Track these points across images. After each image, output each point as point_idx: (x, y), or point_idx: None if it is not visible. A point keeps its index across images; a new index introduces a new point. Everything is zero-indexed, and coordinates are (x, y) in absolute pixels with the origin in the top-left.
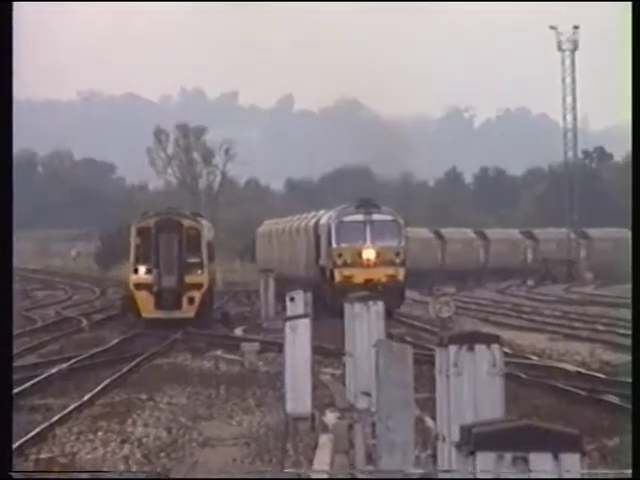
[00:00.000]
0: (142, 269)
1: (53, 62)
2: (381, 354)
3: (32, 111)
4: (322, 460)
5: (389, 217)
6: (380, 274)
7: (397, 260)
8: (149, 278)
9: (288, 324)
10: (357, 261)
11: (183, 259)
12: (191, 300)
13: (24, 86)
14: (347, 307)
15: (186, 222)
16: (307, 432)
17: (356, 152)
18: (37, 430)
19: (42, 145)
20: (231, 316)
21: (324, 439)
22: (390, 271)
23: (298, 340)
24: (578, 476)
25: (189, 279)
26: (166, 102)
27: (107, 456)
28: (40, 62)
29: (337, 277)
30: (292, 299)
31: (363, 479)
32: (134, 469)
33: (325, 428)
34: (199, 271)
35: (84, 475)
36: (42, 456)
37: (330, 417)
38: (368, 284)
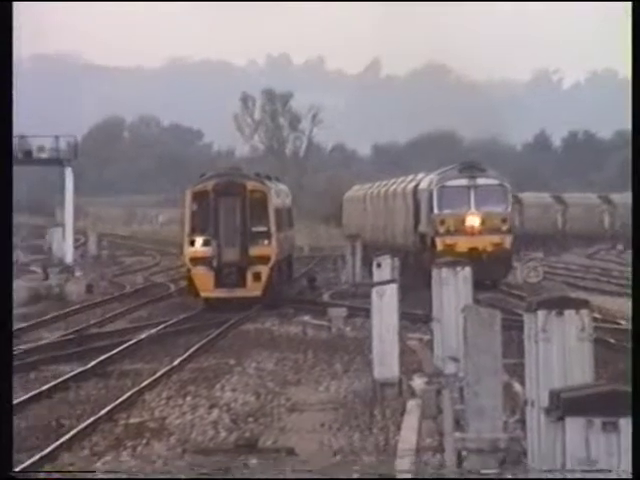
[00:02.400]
0: (199, 241)
1: (136, 29)
2: (469, 320)
3: (119, 78)
4: (410, 425)
5: (495, 181)
6: (485, 242)
7: (503, 227)
8: (207, 251)
9: (375, 290)
10: (460, 228)
11: (247, 228)
12: (257, 276)
13: (110, 53)
14: (434, 272)
15: (250, 184)
16: (394, 397)
17: (443, 116)
18: (127, 395)
19: (129, 112)
20: (318, 281)
21: (412, 404)
22: (496, 239)
23: (385, 306)
24: None
25: (254, 251)
26: (252, 67)
27: (195, 421)
28: (124, 29)
29: (439, 245)
30: (379, 265)
31: (364, 479)
32: (222, 434)
33: (413, 393)
34: (266, 241)
35: (86, 475)
36: (131, 421)
37: (418, 382)
38: (472, 253)
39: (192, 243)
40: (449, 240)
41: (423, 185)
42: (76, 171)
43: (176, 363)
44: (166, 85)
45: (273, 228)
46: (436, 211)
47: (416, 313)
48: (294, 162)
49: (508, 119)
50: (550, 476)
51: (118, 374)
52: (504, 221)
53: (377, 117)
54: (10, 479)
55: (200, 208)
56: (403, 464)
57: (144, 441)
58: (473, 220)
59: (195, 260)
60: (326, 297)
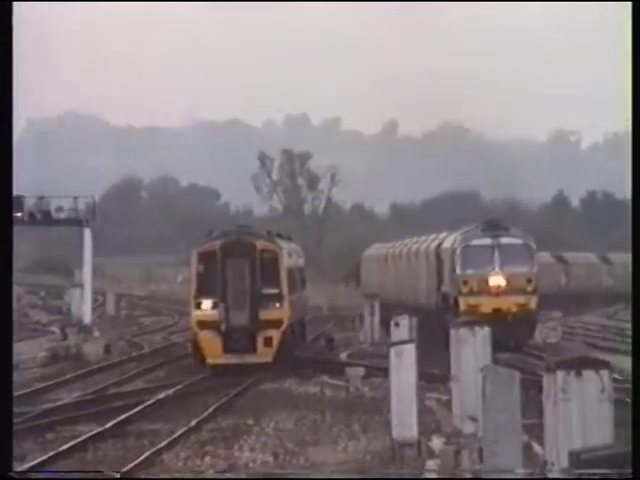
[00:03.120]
0: (206, 303)
1: (153, 89)
2: (488, 379)
3: (134, 137)
4: None
5: (519, 240)
6: (510, 303)
7: (529, 288)
8: (215, 314)
9: (393, 349)
10: (484, 289)
11: (257, 290)
12: (268, 341)
13: (125, 112)
14: (452, 332)
15: (260, 243)
16: (414, 458)
17: (461, 176)
18: (145, 455)
19: (146, 171)
20: (336, 341)
21: (430, 464)
22: (521, 300)
23: (403, 365)
24: None
25: (265, 315)
26: (270, 127)
27: None
28: (140, 89)
29: (462, 306)
30: (397, 324)
31: (360, 479)
32: None
33: (432, 453)
34: (277, 304)
35: (86, 476)
36: None
37: (436, 442)
38: (496, 314)
39: (198, 306)
40: (472, 301)
41: (446, 244)
42: (94, 231)
43: (194, 423)
44: (183, 145)
45: (285, 290)
46: (459, 271)
47: (434, 373)
48: (313, 222)
49: (526, 179)
50: (551, 476)
51: (136, 434)
52: (529, 281)
53: (395, 177)
54: (10, 479)
55: (207, 269)
56: None
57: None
58: (497, 280)
59: (202, 324)
60: (344, 356)
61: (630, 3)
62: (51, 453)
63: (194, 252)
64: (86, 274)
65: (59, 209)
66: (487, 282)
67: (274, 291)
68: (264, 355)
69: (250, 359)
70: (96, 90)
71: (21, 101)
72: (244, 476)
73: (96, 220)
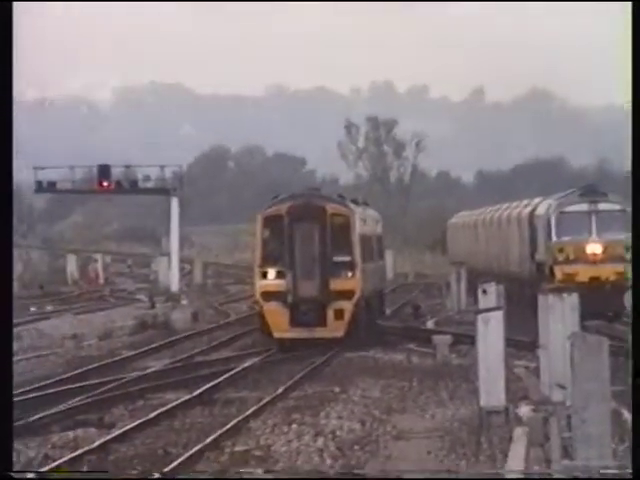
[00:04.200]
0: (272, 272)
1: (238, 57)
2: (576, 347)
3: (223, 107)
4: (517, 454)
5: (617, 206)
6: (608, 271)
7: (628, 255)
8: (281, 284)
9: (480, 317)
10: (581, 257)
11: (327, 258)
12: (339, 313)
13: (214, 82)
14: (541, 299)
15: (330, 207)
16: (501, 425)
17: (547, 142)
18: (232, 423)
19: (233, 140)
20: (422, 309)
21: (519, 432)
22: (620, 268)
23: (491, 333)
24: None
25: (336, 285)
26: (356, 95)
27: (301, 449)
28: (226, 57)
29: (558, 275)
30: (484, 292)
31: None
32: (328, 462)
33: (519, 421)
34: (349, 273)
35: (86, 475)
36: (237, 449)
37: (524, 410)
38: (594, 283)
39: (264, 275)
40: (569, 269)
41: (540, 211)
42: (181, 200)
43: (280, 391)
44: (270, 114)
45: (358, 258)
46: (555, 238)
47: (522, 340)
48: (398, 189)
49: (613, 145)
50: (557, 476)
51: (223, 402)
52: (628, 249)
53: (482, 144)
54: (10, 479)
55: (273, 235)
56: None
57: (250, 469)
58: (595, 248)
59: (267, 295)
60: (431, 324)
61: (630, 3)
62: (139, 421)
63: (259, 216)
64: (173, 243)
65: (146, 178)
66: (584, 250)
67: (346, 259)
68: (335, 329)
69: (319, 333)
70: (180, 60)
71: (106, 70)
72: (246, 476)
73: (183, 189)
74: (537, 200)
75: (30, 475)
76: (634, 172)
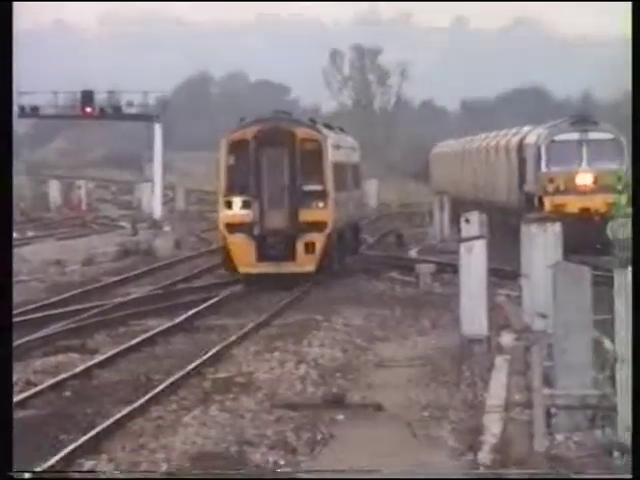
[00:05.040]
0: (237, 202)
1: None
2: (558, 276)
3: (206, 33)
4: (498, 382)
5: (609, 135)
6: (599, 202)
7: (619, 186)
8: (247, 215)
9: (463, 245)
10: (571, 187)
11: (297, 186)
12: (310, 247)
13: (198, 8)
14: (523, 228)
15: (301, 132)
16: (483, 354)
17: (533, 72)
18: (215, 350)
19: (217, 68)
20: (405, 238)
21: (500, 361)
22: (611, 199)
23: (473, 261)
24: None
25: (306, 215)
26: (341, 23)
27: (284, 376)
28: None
29: (547, 205)
30: (467, 221)
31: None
32: (310, 389)
33: (501, 350)
34: (321, 203)
35: (86, 475)
36: (220, 375)
37: (506, 339)
38: (584, 214)
39: (228, 205)
40: (558, 200)
41: (530, 140)
42: (164, 127)
43: (263, 318)
44: (254, 41)
45: (330, 187)
46: (544, 168)
47: (505, 269)
48: (382, 117)
49: (600, 76)
50: (555, 476)
51: (205, 329)
52: (619, 179)
53: (466, 72)
54: (10, 479)
55: (238, 161)
56: (491, 420)
57: (232, 396)
58: (585, 178)
59: (232, 226)
60: (414, 253)
61: (630, 3)
62: (122, 347)
63: (223, 141)
64: (156, 169)
65: (129, 104)
66: (574, 180)
67: (317, 188)
68: (305, 263)
69: (288, 268)
70: None
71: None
72: (246, 476)
73: (166, 115)
74: (526, 129)
75: (28, 475)
76: (634, 165)
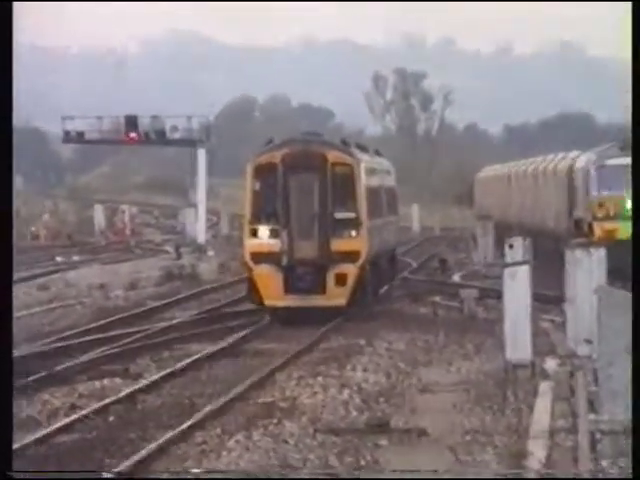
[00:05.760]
0: (263, 230)
1: (267, 9)
2: (602, 301)
3: (249, 58)
4: (542, 407)
5: None
6: None
7: None
8: (274, 244)
9: (507, 271)
10: (622, 213)
11: (328, 214)
12: (341, 278)
13: (241, 33)
14: (568, 254)
15: (332, 155)
16: (527, 379)
17: (578, 97)
18: (258, 375)
19: (260, 90)
20: (449, 263)
21: (544, 386)
22: None
23: (517, 287)
24: None
25: (338, 245)
26: (384, 48)
27: (327, 401)
28: (255, 9)
29: (597, 231)
30: (511, 246)
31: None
32: (354, 414)
33: (546, 375)
34: (353, 232)
35: (84, 475)
36: (263, 400)
37: (551, 364)
38: None
39: (254, 233)
40: (609, 225)
41: (579, 164)
42: (208, 151)
43: (306, 344)
44: (297, 65)
45: (363, 213)
46: (594, 193)
47: (549, 294)
48: (425, 142)
49: None
50: (559, 477)
51: (250, 354)
52: None
53: (510, 97)
54: (9, 479)
55: (265, 187)
56: (536, 445)
57: (275, 420)
58: None
59: (258, 256)
60: (457, 278)
61: (630, 3)
62: (166, 371)
63: (249, 165)
64: (200, 194)
65: (173, 129)
66: (625, 205)
67: (350, 215)
68: (335, 297)
69: (317, 301)
70: (208, 10)
71: (134, 20)
72: (247, 476)
73: (210, 140)
74: (575, 153)
75: (30, 475)
76: (634, 169)
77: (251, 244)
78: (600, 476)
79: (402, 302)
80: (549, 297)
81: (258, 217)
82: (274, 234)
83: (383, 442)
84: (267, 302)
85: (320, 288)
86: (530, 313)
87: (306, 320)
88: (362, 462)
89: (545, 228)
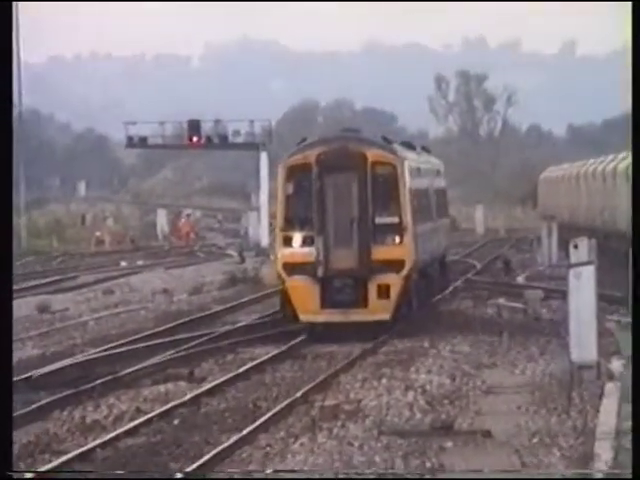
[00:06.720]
0: (297, 238)
1: (328, 15)
2: None
3: (312, 63)
4: (609, 409)
5: None
6: None
7: None
8: (309, 253)
9: (572, 271)
10: None
11: (368, 219)
12: (384, 290)
13: (304, 39)
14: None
15: (372, 153)
16: (593, 380)
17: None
18: (322, 377)
19: (324, 95)
20: (513, 264)
21: (610, 387)
22: None
23: (582, 287)
24: None
25: (380, 253)
26: (447, 50)
27: (391, 403)
28: (316, 15)
29: None
30: (576, 246)
31: (366, 479)
32: (418, 416)
33: (611, 376)
34: (396, 238)
35: (85, 475)
36: (327, 403)
37: (616, 365)
38: None
39: (287, 241)
40: None
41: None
42: (271, 155)
43: (370, 346)
44: (360, 69)
45: (408, 218)
46: None
47: (615, 295)
48: (488, 143)
49: None
50: (559, 476)
51: (313, 356)
52: None
53: (573, 98)
54: (9, 479)
55: (299, 190)
56: (602, 447)
57: (340, 423)
58: None
59: (291, 266)
60: (521, 279)
61: (630, 3)
62: (230, 375)
63: (280, 167)
64: (263, 197)
65: (236, 133)
66: None
67: (392, 220)
68: (378, 310)
69: (358, 316)
70: (273, 15)
71: (198, 25)
72: (247, 476)
73: (272, 144)
74: (625, 154)
75: (29, 475)
76: (634, 169)
77: (283, 253)
78: (600, 476)
79: (466, 304)
80: (615, 297)
81: (291, 223)
82: (309, 242)
83: (448, 444)
84: (302, 317)
85: (361, 301)
86: (595, 313)
87: (346, 338)
88: (427, 464)
89: (617, 229)
